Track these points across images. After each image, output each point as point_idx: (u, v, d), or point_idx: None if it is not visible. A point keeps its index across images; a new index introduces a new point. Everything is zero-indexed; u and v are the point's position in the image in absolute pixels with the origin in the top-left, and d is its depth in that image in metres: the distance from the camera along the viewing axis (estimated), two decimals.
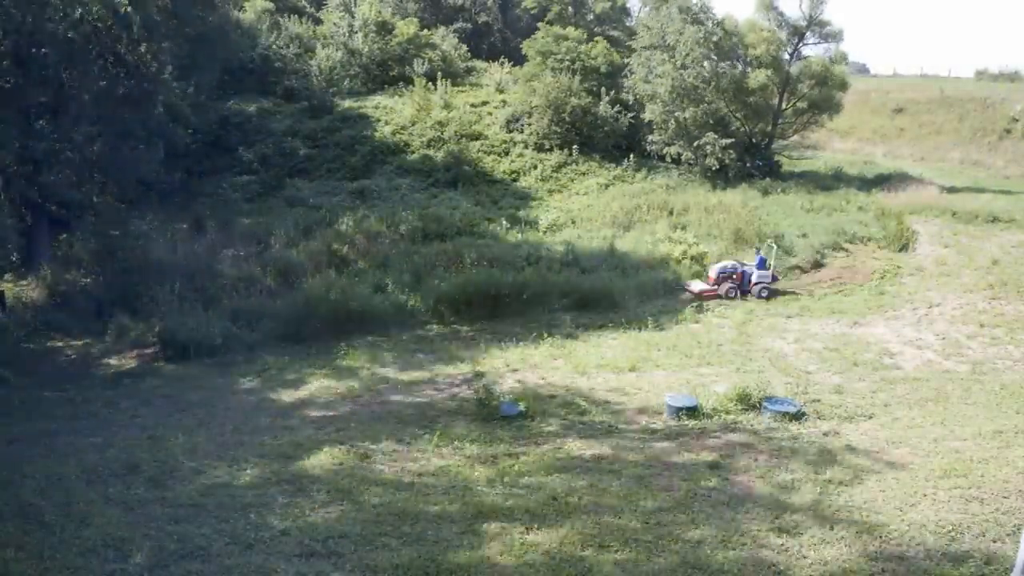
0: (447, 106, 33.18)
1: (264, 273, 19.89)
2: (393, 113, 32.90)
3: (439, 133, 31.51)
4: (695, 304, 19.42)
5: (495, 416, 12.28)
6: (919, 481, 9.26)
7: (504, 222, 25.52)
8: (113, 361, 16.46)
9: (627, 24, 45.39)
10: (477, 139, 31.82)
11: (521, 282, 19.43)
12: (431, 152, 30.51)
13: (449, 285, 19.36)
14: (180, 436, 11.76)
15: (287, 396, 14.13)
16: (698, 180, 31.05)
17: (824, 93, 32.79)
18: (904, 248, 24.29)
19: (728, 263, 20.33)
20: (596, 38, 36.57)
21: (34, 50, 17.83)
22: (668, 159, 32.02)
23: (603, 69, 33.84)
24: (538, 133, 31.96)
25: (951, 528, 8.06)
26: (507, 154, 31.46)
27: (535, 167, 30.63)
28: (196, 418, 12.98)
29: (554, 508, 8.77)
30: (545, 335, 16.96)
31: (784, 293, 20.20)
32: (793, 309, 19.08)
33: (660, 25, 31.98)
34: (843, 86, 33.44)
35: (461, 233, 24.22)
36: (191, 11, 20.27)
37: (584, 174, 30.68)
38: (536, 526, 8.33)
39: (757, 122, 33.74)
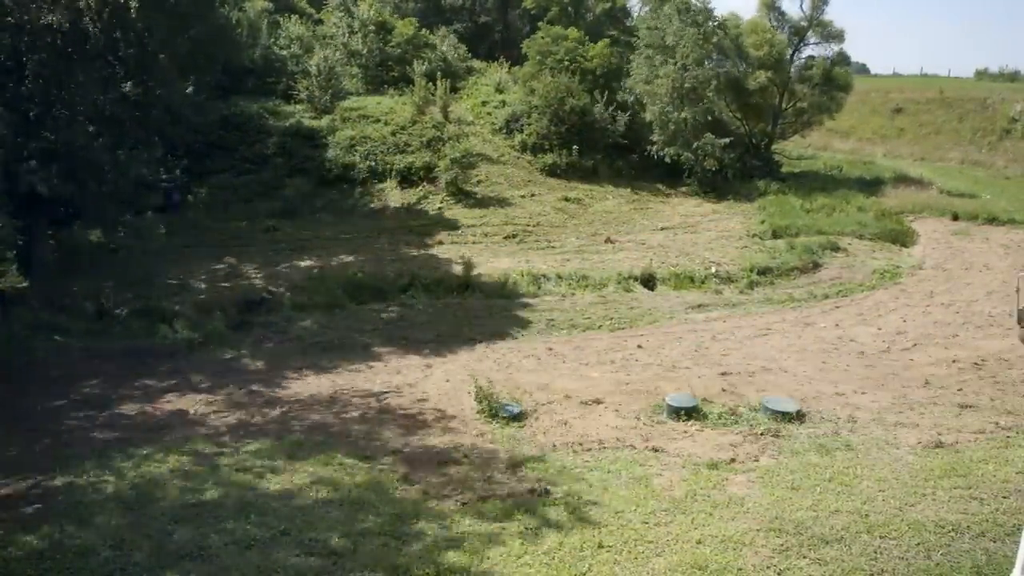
0: (447, 106, 33.17)
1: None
2: (393, 113, 32.87)
3: (439, 133, 31.51)
4: (696, 306, 19.44)
5: (494, 416, 12.29)
6: (918, 480, 9.28)
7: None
8: (113, 361, 16.44)
9: (627, 24, 45.33)
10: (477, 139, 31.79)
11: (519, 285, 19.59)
12: (431, 152, 30.49)
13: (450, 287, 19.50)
14: (180, 436, 11.78)
15: (287, 396, 14.14)
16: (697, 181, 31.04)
17: (827, 95, 32.83)
18: (903, 248, 24.34)
19: None
20: (596, 39, 36.47)
21: (33, 53, 17.79)
22: (668, 160, 32.00)
23: (598, 71, 33.78)
24: (537, 133, 31.95)
25: (951, 528, 8.07)
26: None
27: None
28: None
29: (554, 508, 8.78)
30: (544, 336, 16.96)
31: None
32: (792, 310, 19.09)
33: (660, 26, 31.95)
34: (847, 88, 33.49)
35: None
36: (192, 11, 20.23)
37: None
38: (536, 526, 8.34)
39: (757, 122, 33.74)
